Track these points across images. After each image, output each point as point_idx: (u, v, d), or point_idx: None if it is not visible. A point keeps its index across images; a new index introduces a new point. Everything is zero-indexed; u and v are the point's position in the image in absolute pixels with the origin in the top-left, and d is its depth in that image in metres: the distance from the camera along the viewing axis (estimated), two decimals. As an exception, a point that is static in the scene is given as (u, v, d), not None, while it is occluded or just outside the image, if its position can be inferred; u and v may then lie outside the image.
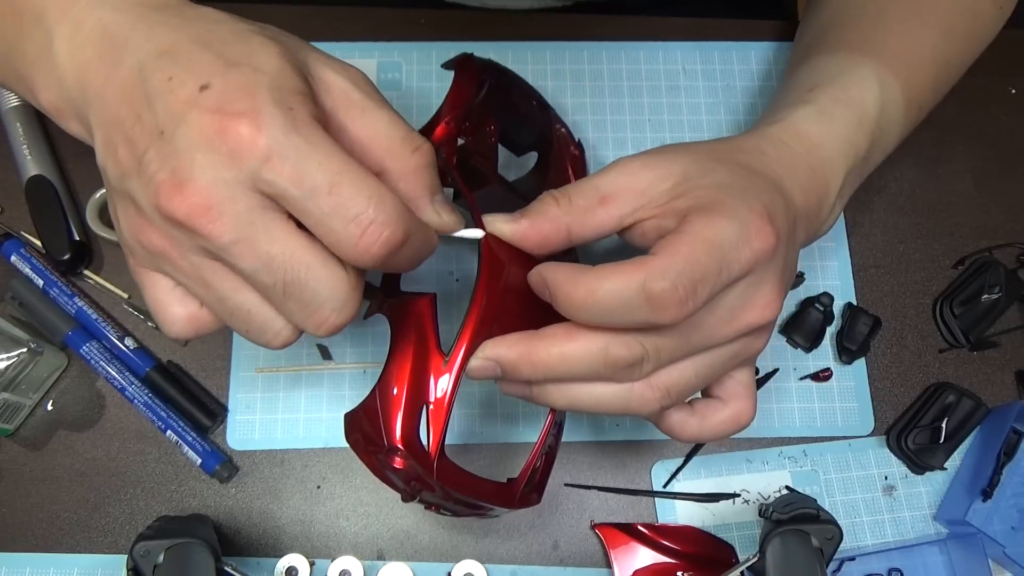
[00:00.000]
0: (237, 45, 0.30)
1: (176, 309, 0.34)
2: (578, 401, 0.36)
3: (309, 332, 0.32)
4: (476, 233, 0.36)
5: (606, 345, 0.34)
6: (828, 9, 0.51)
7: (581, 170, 0.54)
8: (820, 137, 0.41)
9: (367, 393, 0.37)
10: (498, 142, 0.46)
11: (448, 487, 0.37)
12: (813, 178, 0.40)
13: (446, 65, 0.45)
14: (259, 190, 0.29)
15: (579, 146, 0.54)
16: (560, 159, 0.52)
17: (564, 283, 0.34)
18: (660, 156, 0.37)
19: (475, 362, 0.36)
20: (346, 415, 0.38)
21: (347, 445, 0.38)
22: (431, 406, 0.36)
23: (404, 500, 0.39)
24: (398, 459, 0.36)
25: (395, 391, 0.36)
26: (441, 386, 0.36)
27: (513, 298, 0.37)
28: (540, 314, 0.36)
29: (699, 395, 0.40)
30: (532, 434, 0.52)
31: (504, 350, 0.35)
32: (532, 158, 0.53)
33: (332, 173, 0.29)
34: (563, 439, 0.52)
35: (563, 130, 0.53)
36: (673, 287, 0.32)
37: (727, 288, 0.34)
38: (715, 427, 0.39)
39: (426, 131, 0.42)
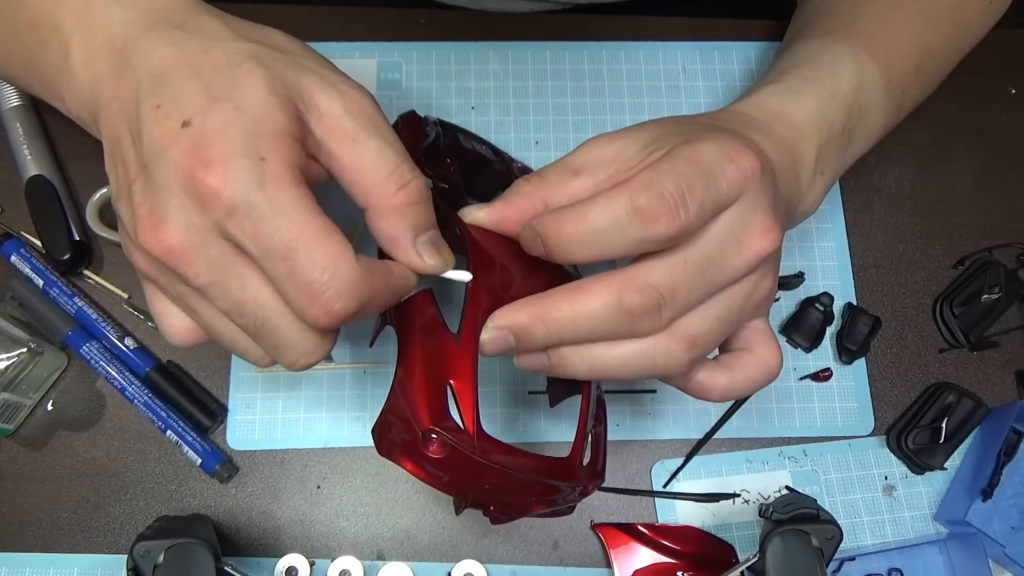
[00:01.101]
0: (225, 74, 0.30)
1: (176, 320, 0.34)
2: (601, 363, 0.35)
3: (283, 367, 0.33)
4: (463, 276, 0.36)
5: (619, 294, 0.33)
6: (813, 3, 0.53)
7: None
8: (784, 108, 0.42)
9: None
10: (460, 178, 0.45)
11: (495, 461, 0.35)
12: (782, 140, 0.40)
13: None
14: (227, 239, 0.30)
15: None
16: None
17: (552, 224, 0.34)
18: (627, 129, 0.38)
19: (486, 334, 0.35)
20: (372, 430, 0.36)
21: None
22: (454, 384, 0.35)
23: (457, 510, 0.37)
24: (434, 446, 0.34)
25: (414, 379, 0.35)
26: (460, 360, 0.35)
27: (510, 287, 0.37)
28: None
29: (716, 351, 0.39)
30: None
31: (513, 315, 0.34)
32: None
33: (290, 238, 0.29)
34: (562, 440, 0.52)
35: (520, 165, 0.53)
36: (659, 195, 0.31)
37: (724, 211, 0.34)
38: (745, 378, 0.38)
39: None
